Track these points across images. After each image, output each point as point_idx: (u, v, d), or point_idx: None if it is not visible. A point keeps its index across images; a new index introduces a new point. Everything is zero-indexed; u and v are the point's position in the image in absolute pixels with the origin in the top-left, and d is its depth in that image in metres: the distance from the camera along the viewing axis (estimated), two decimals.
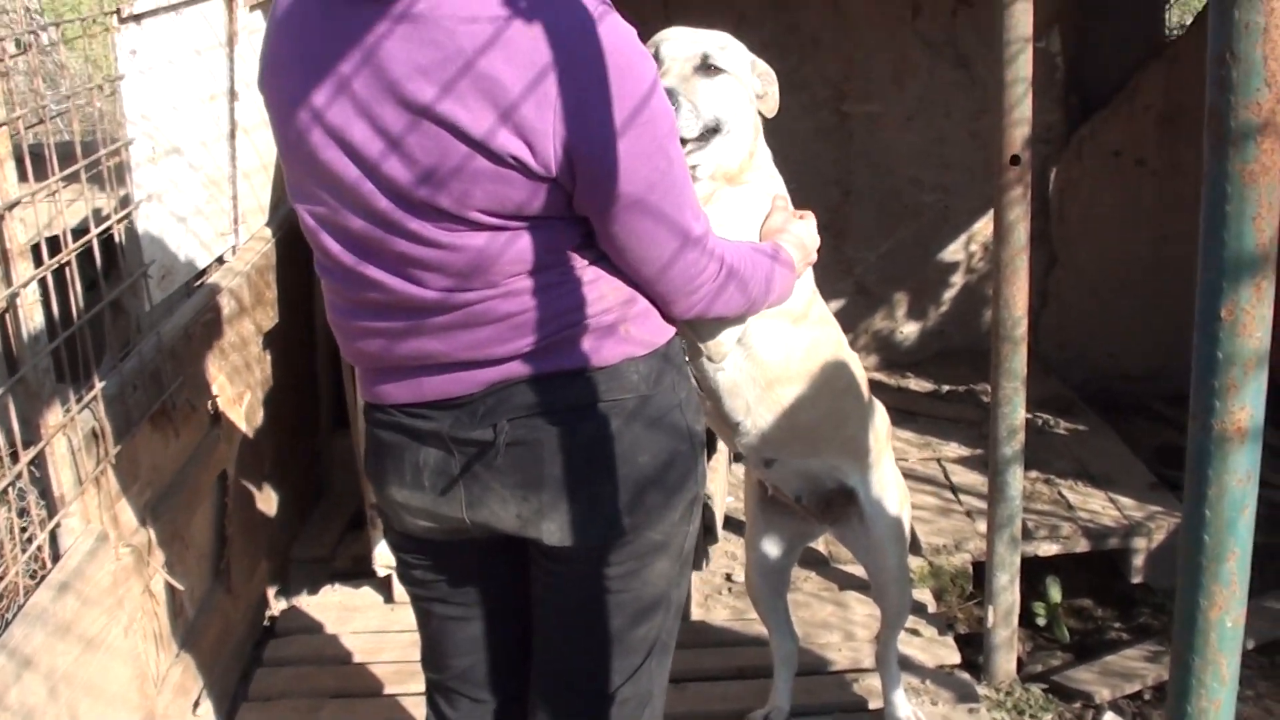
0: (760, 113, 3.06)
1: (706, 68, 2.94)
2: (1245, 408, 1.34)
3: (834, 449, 3.25)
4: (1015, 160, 3.52)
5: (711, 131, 2.90)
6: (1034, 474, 5.05)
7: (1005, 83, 3.49)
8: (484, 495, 2.28)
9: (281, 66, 2.17)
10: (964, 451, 5.41)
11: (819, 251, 2.93)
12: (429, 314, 2.18)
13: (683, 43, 2.96)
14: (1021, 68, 3.47)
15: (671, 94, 2.80)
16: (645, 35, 3.19)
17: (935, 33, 6.13)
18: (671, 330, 2.35)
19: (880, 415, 3.43)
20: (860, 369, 3.32)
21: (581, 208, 2.11)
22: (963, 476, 5.18)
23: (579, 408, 2.24)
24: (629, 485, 2.27)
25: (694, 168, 2.88)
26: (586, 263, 2.19)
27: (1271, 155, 1.28)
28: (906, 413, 5.77)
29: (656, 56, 2.89)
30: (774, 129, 5.49)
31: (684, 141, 2.78)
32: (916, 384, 6.30)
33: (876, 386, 6.15)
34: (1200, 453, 1.37)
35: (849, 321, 6.50)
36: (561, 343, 2.19)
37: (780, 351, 2.97)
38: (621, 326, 2.23)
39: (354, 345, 2.33)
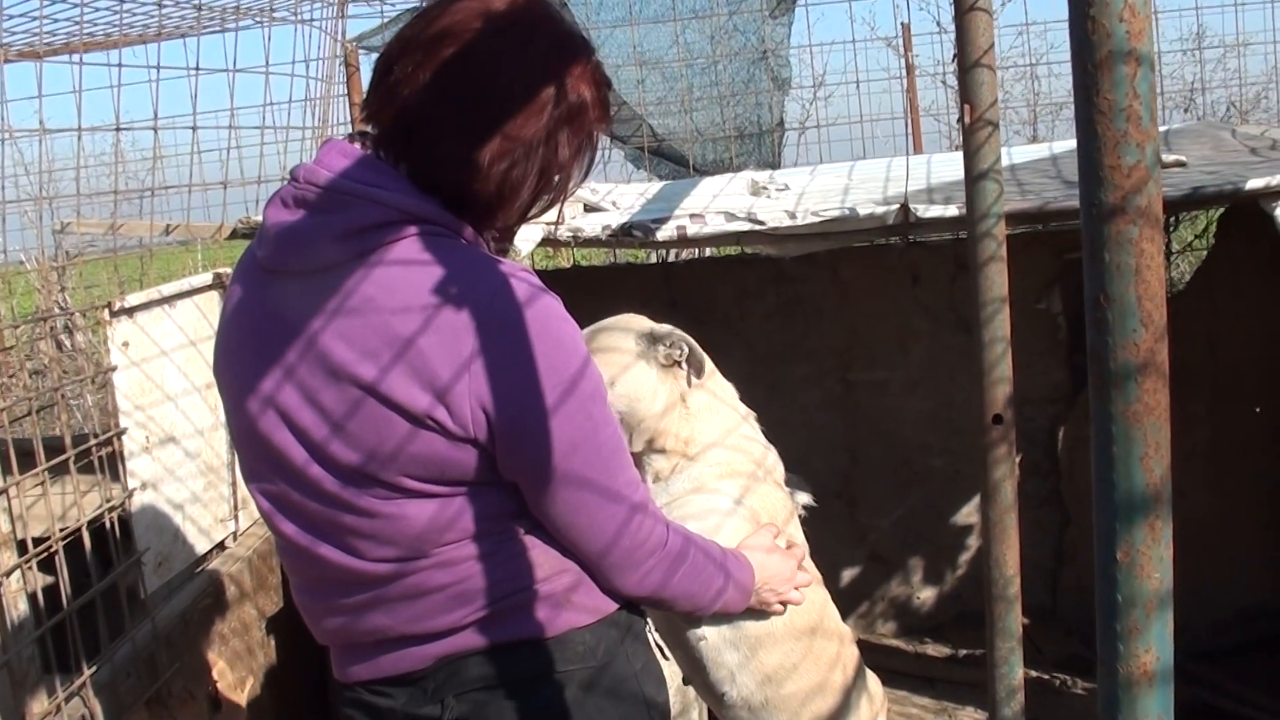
0: (687, 380, 3.10)
1: None
2: (1150, 650, 1.33)
3: None
4: (998, 420, 3.54)
5: None
6: None
7: (984, 343, 3.53)
8: None
9: (233, 353, 2.24)
10: (979, 716, 5.30)
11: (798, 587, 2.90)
12: (374, 587, 2.19)
13: None
14: (999, 327, 3.51)
15: None
16: (647, 309, 3.26)
17: (935, 299, 6.21)
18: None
19: (873, 686, 3.38)
20: (849, 635, 3.30)
21: (506, 472, 2.13)
22: None
23: (524, 681, 2.21)
24: None
25: None
26: (521, 531, 2.19)
27: (1154, 395, 1.29)
28: (924, 679, 5.70)
29: None
30: (781, 399, 5.57)
31: None
32: (934, 649, 6.20)
33: (894, 653, 6.13)
34: (1109, 698, 1.35)
35: (865, 589, 6.46)
36: (502, 613, 2.19)
37: (760, 614, 2.95)
38: (565, 595, 2.22)
39: (318, 625, 2.35)
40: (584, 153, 2.23)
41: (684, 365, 3.14)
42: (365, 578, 2.19)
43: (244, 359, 2.19)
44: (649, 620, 2.44)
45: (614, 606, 2.30)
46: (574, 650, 2.23)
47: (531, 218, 2.26)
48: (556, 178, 2.20)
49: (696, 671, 3.01)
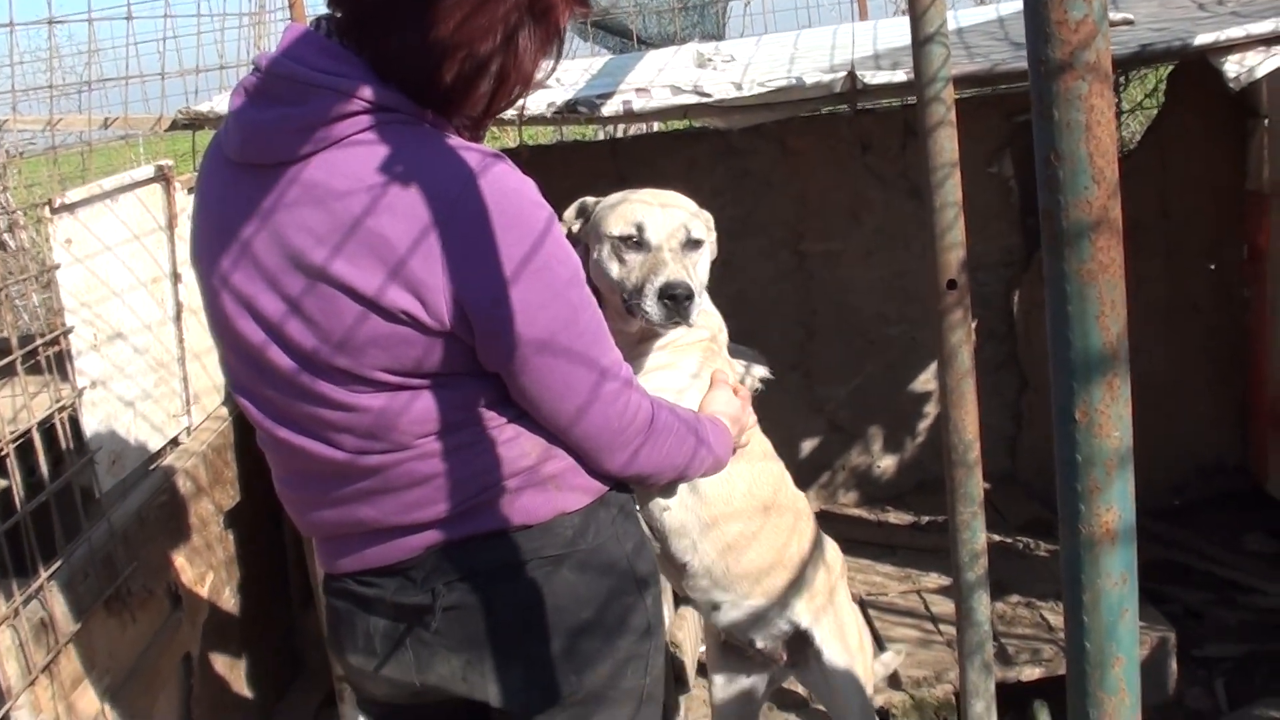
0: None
1: (690, 243, 2.97)
2: (1112, 508, 1.31)
3: (782, 589, 3.22)
4: (952, 284, 3.51)
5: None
6: (1015, 598, 5.01)
7: (935, 208, 3.50)
8: (431, 659, 2.27)
9: (199, 236, 2.23)
10: (944, 581, 5.32)
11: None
12: (351, 479, 2.19)
13: (663, 220, 2.95)
14: (950, 192, 3.48)
15: (689, 295, 2.82)
16: (595, 188, 3.21)
17: (886, 167, 6.18)
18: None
19: (831, 553, 3.40)
20: (806, 506, 3.30)
21: (486, 362, 2.11)
22: (942, 606, 5.09)
23: (510, 567, 2.22)
24: (567, 639, 2.24)
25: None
26: (504, 420, 2.18)
27: (1108, 252, 1.27)
28: (887, 546, 5.74)
29: (640, 238, 2.90)
30: (734, 273, 5.54)
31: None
32: (896, 517, 6.26)
33: (856, 522, 6.17)
34: (1071, 558, 1.34)
35: (825, 460, 6.48)
36: (489, 502, 2.19)
37: (722, 486, 2.96)
38: (550, 481, 2.22)
39: (301, 517, 2.35)
40: (550, 42, 2.18)
41: (712, 243, 3.14)
42: (333, 467, 2.19)
43: (212, 250, 2.17)
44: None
45: (603, 488, 2.30)
46: (562, 535, 2.24)
47: (499, 109, 2.20)
48: (516, 68, 2.14)
49: (659, 542, 3.02)
